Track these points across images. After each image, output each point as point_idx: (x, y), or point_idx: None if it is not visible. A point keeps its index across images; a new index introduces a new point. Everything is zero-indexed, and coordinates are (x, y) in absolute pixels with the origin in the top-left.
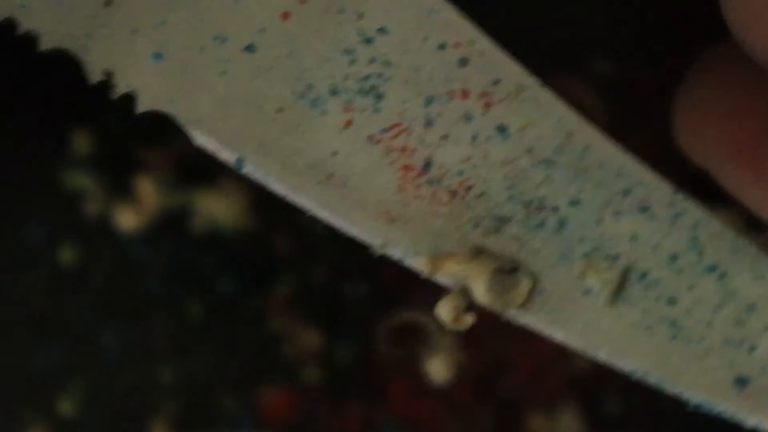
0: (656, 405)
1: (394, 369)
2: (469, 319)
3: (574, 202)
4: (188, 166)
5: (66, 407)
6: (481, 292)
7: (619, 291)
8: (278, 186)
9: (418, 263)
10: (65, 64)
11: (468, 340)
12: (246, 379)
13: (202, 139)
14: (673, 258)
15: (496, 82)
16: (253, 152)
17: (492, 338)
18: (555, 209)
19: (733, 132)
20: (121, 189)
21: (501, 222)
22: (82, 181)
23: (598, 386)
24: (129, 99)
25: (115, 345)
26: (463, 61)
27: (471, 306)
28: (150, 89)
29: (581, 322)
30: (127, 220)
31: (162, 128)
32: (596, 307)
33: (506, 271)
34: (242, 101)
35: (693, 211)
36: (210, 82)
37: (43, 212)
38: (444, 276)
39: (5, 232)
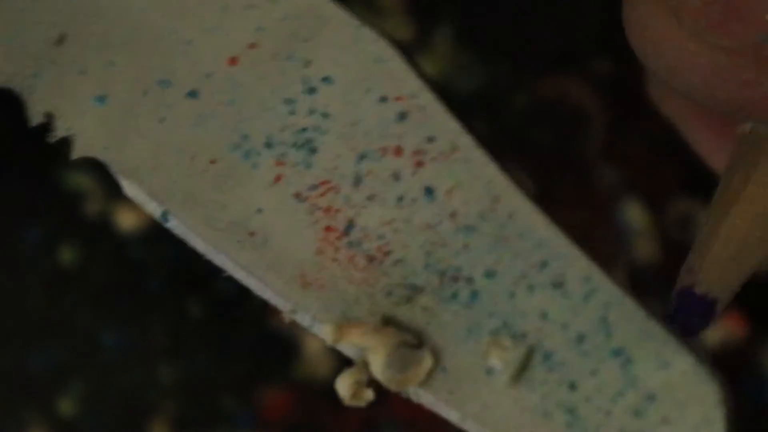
0: None
1: None
2: (368, 395)
3: (490, 274)
4: None
5: (66, 407)
6: (379, 368)
7: (521, 372)
8: (198, 243)
9: (323, 330)
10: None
11: None
12: (246, 379)
13: (130, 189)
14: (580, 339)
15: (431, 139)
16: (179, 206)
17: None
18: (469, 280)
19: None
20: (121, 189)
21: (414, 291)
22: (82, 181)
23: None
24: (66, 143)
25: (115, 345)
26: (402, 116)
27: (371, 381)
28: (87, 134)
29: (480, 403)
30: (127, 220)
31: None
32: (497, 389)
33: (410, 345)
34: (177, 150)
35: (607, 288)
36: (148, 129)
37: (43, 212)
38: (346, 346)
39: (5, 232)
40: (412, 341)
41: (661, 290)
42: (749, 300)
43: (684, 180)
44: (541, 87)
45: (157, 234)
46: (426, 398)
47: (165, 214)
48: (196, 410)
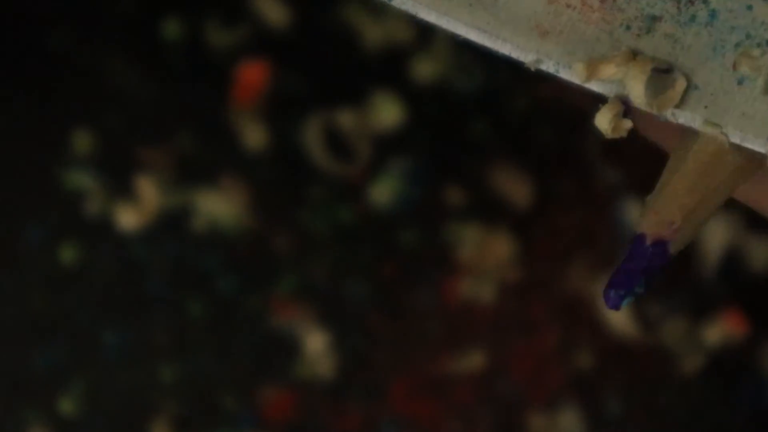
0: (656, 405)
1: (394, 369)
2: (627, 124)
3: None
4: (188, 166)
5: (66, 406)
6: (638, 94)
7: None
8: (428, 14)
9: (574, 71)
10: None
11: (469, 336)
12: (246, 379)
13: None
14: None
15: None
16: None
17: (492, 338)
18: (705, 1)
19: None
20: (121, 189)
21: (653, 21)
22: (82, 180)
23: (598, 386)
24: None
25: (115, 344)
26: None
27: (627, 112)
28: None
29: (737, 113)
30: (128, 219)
31: (162, 128)
32: (752, 96)
33: (662, 70)
34: None
35: None
36: None
37: (43, 212)
38: (599, 82)
39: (5, 232)
40: (663, 66)
41: (662, 289)
42: (749, 300)
43: None
44: (541, 87)
45: (157, 234)
46: (685, 117)
47: None
48: (196, 410)
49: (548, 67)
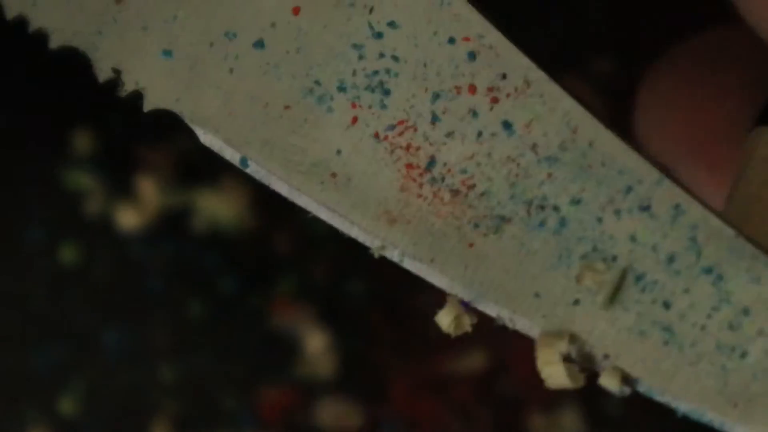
0: (656, 405)
1: (394, 369)
2: (468, 321)
3: (576, 201)
4: (188, 166)
5: (67, 406)
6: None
7: (615, 294)
8: (280, 186)
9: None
10: (72, 63)
11: (469, 337)
12: (246, 378)
13: (206, 138)
14: (671, 259)
15: (504, 76)
16: (258, 151)
17: (492, 338)
18: (556, 209)
19: (691, 129)
20: (121, 188)
21: (501, 221)
22: (82, 180)
23: (598, 386)
24: (136, 97)
25: (115, 344)
26: (472, 55)
27: (466, 308)
28: (158, 87)
29: (576, 328)
30: (128, 219)
31: (163, 128)
32: (591, 312)
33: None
34: (249, 99)
35: (694, 209)
36: (218, 80)
37: (43, 212)
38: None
39: (5, 232)
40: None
41: None
42: None
43: None
44: None
45: (157, 233)
46: (521, 323)
47: (244, 160)
48: (196, 410)
49: (392, 255)
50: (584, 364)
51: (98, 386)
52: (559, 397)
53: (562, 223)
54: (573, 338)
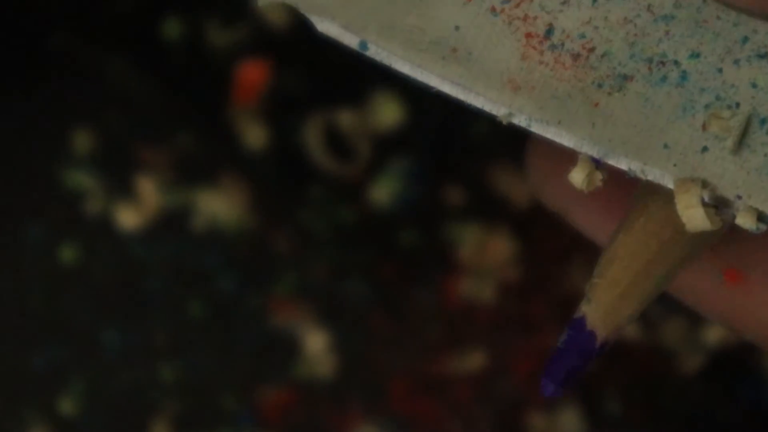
0: (656, 405)
1: (394, 369)
2: (600, 176)
3: (695, 55)
4: (188, 166)
5: (66, 406)
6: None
7: (742, 138)
8: (402, 65)
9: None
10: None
11: (469, 337)
12: (246, 378)
13: (324, 25)
14: None
15: None
16: (376, 34)
17: (492, 338)
18: (676, 63)
19: None
20: (121, 188)
21: (624, 80)
22: (82, 180)
23: (598, 386)
24: None
25: (115, 344)
26: None
27: (598, 165)
28: None
29: (706, 173)
30: (128, 219)
31: (162, 128)
32: (720, 156)
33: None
34: None
35: None
36: None
37: (43, 212)
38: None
39: (5, 232)
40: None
41: None
42: None
43: None
44: None
45: (157, 233)
46: (653, 174)
47: (363, 44)
48: (196, 410)
49: (520, 121)
50: (719, 206)
51: (98, 386)
52: (558, 397)
53: (684, 76)
54: (705, 183)
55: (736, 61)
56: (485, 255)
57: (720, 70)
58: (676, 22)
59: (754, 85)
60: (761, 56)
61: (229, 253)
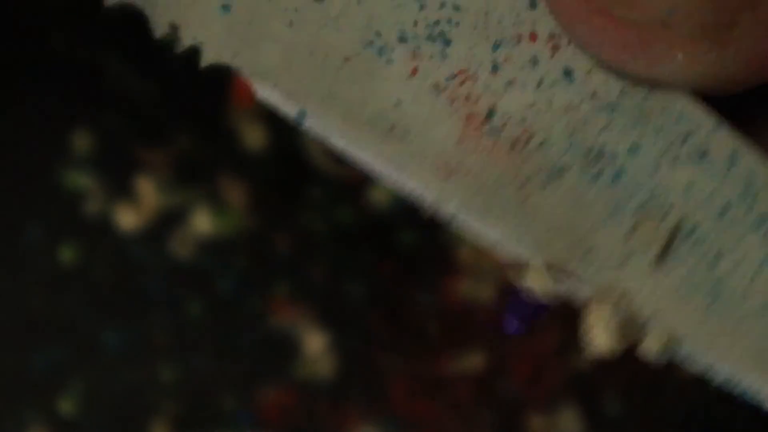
0: (656, 405)
1: (394, 369)
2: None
3: (634, 149)
4: (188, 166)
5: (66, 406)
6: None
7: (667, 249)
8: (339, 140)
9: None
10: (128, 19)
11: (469, 337)
12: (246, 378)
13: (265, 92)
14: (725, 209)
15: None
16: (316, 105)
17: (492, 338)
18: (614, 157)
19: None
20: (121, 189)
21: (558, 173)
22: (82, 180)
23: (598, 386)
24: (193, 52)
25: (115, 344)
26: (533, 3)
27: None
28: (215, 42)
29: (624, 285)
30: (127, 219)
31: (162, 128)
32: (641, 269)
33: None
34: (308, 51)
35: (749, 156)
36: (277, 33)
37: (43, 212)
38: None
39: (5, 232)
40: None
41: None
42: None
43: None
44: None
45: (157, 234)
46: (570, 285)
47: (302, 114)
48: (196, 410)
49: (447, 209)
50: (628, 328)
51: (98, 386)
52: (559, 397)
53: (618, 174)
54: (622, 297)
55: (674, 160)
56: (485, 255)
57: (657, 168)
58: (619, 112)
59: (689, 188)
60: (700, 156)
61: (229, 253)
